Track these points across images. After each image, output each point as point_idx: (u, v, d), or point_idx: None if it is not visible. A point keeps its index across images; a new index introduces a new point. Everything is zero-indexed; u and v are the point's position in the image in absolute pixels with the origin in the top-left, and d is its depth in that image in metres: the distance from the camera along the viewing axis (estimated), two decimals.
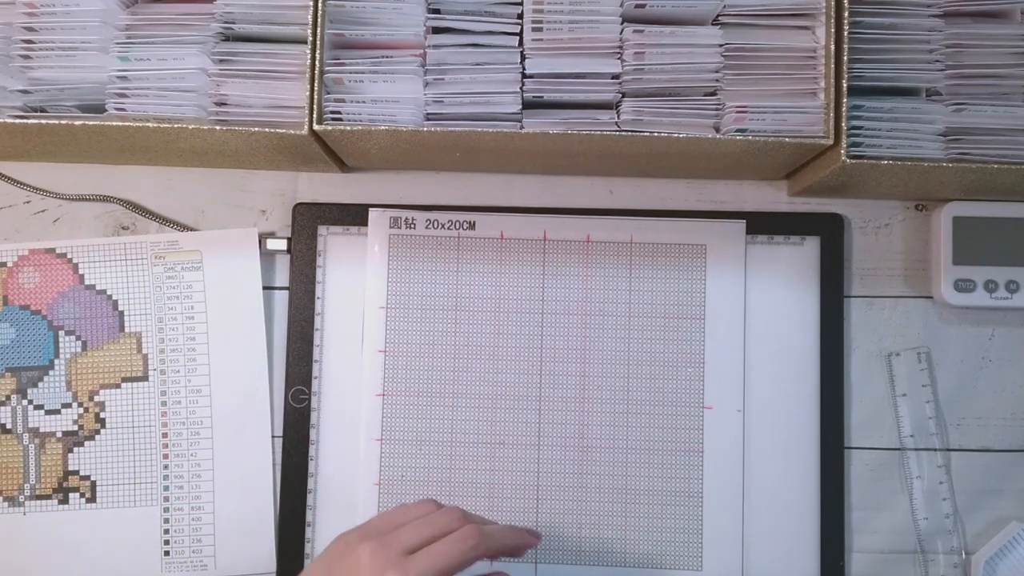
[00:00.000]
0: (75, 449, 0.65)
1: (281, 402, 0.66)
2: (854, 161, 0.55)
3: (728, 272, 0.65)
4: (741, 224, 0.66)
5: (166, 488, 0.65)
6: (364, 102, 0.56)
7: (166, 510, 0.65)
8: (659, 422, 0.65)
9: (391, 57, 0.56)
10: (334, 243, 0.67)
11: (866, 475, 0.66)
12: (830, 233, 0.66)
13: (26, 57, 0.56)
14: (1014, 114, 0.56)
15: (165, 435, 0.65)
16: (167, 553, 0.65)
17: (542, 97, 0.56)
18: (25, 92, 0.56)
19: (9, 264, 0.66)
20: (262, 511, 0.65)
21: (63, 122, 0.55)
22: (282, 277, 0.67)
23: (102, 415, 0.65)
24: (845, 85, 0.54)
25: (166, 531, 0.65)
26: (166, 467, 0.65)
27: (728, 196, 0.67)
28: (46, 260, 0.66)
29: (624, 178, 0.68)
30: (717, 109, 0.56)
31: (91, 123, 0.55)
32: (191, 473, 0.65)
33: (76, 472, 0.65)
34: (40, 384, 0.65)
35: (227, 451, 0.65)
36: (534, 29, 0.55)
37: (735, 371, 0.65)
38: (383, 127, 0.55)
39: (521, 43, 0.55)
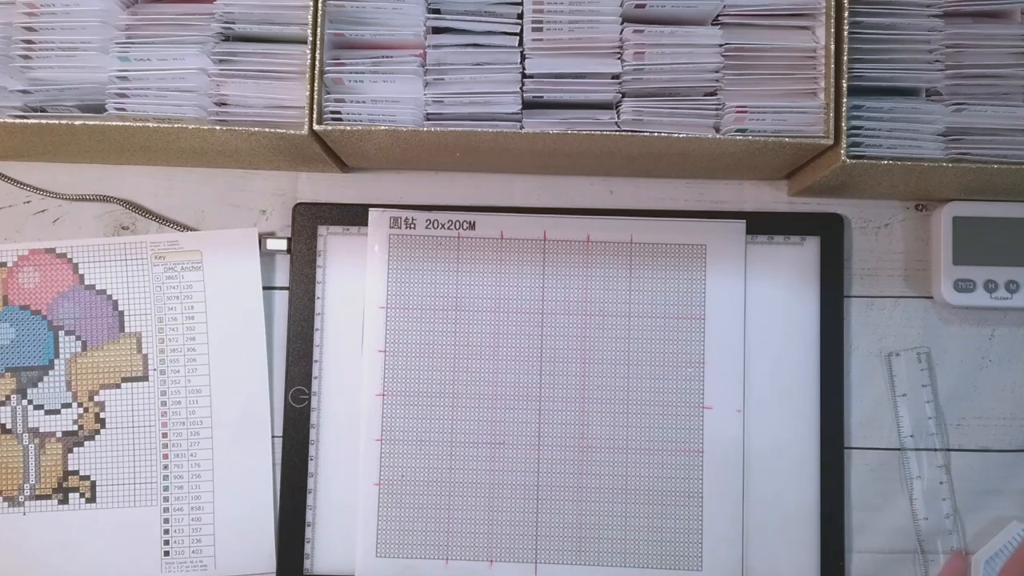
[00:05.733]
0: (75, 449, 0.65)
1: (281, 402, 0.66)
2: (854, 161, 0.55)
3: (728, 272, 0.65)
4: (741, 224, 0.66)
5: (166, 488, 0.65)
6: (364, 102, 0.56)
7: (166, 510, 0.65)
8: (659, 422, 0.65)
9: (391, 57, 0.56)
10: (334, 243, 0.67)
11: (866, 475, 0.66)
12: (830, 233, 0.66)
13: (26, 57, 0.56)
14: (1014, 114, 0.56)
15: (165, 435, 0.65)
16: (167, 553, 0.65)
17: (542, 97, 0.56)
18: (25, 92, 0.57)
19: (9, 264, 0.66)
20: (262, 511, 0.65)
21: (63, 122, 0.55)
22: (282, 277, 0.67)
23: (102, 415, 0.65)
24: (845, 85, 0.54)
25: (166, 531, 0.65)
26: (166, 467, 0.65)
27: (728, 196, 0.67)
28: (46, 260, 0.66)
29: (624, 178, 0.68)
30: (717, 109, 0.56)
31: (91, 123, 0.55)
32: (191, 473, 0.65)
33: (76, 472, 0.65)
34: (40, 384, 0.65)
35: (227, 451, 0.65)
36: (534, 29, 0.55)
37: (735, 371, 0.65)
38: (383, 127, 0.55)
39: (521, 43, 0.55)
